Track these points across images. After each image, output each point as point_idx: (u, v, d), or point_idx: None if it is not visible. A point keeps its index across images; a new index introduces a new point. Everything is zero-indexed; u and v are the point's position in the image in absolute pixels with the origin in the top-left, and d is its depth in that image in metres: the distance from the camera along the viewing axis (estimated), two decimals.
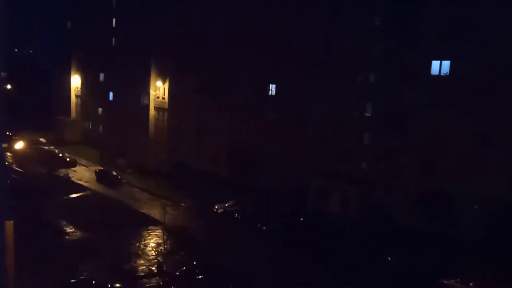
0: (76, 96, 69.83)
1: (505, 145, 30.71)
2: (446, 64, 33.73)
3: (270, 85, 44.86)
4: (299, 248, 31.57)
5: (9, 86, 73.19)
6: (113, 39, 60.22)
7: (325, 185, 39.01)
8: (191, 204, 41.02)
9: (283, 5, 42.34)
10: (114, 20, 60.09)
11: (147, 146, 54.07)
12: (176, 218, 36.80)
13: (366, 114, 38.33)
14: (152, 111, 55.86)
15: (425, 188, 33.71)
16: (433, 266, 27.90)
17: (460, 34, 32.34)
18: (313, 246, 31.77)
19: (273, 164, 43.51)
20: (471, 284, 25.69)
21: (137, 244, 31.96)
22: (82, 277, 25.27)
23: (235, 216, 37.32)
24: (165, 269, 27.89)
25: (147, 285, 26.48)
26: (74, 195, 42.37)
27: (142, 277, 27.38)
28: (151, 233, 34.01)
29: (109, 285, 24.44)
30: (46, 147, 56.62)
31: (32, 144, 55.32)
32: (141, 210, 39.17)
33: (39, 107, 69.28)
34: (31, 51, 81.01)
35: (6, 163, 48.82)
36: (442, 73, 33.91)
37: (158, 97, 55.21)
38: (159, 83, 54.73)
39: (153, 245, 32.00)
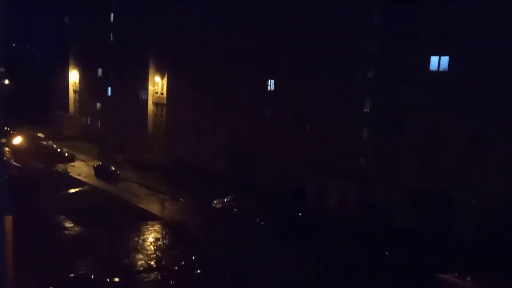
0: (74, 91, 69.67)
1: (504, 144, 30.72)
2: (445, 59, 33.72)
3: (269, 80, 44.81)
4: (297, 244, 31.65)
5: (7, 81, 72.94)
6: (111, 34, 60.03)
7: (323, 183, 39.05)
8: (190, 200, 41.07)
9: (282, 2, 42.21)
10: (112, 15, 59.88)
11: (146, 142, 54.04)
12: (175, 213, 36.85)
13: (365, 110, 38.32)
14: (150, 107, 55.78)
15: (423, 187, 33.75)
16: (431, 264, 27.99)
17: (459, 30, 32.32)
18: (311, 242, 31.86)
19: (272, 161, 43.52)
20: (468, 278, 25.85)
21: (136, 239, 32.02)
22: (80, 272, 25.33)
23: (234, 212, 37.39)
24: (163, 264, 27.96)
25: (146, 280, 26.57)
26: (72, 190, 42.38)
27: (141, 272, 27.46)
28: (150, 228, 34.08)
29: (107, 280, 24.50)
30: (44, 142, 56.54)
31: (31, 139, 55.25)
32: (140, 205, 39.21)
33: (37, 102, 69.02)
34: (29, 46, 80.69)
35: (5, 158, 48.77)
36: (441, 69, 33.90)
37: (156, 93, 55.12)
38: (157, 78, 54.63)
39: (151, 240, 32.06)
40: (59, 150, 54.02)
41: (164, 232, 32.22)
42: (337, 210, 37.63)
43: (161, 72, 54.15)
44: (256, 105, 45.49)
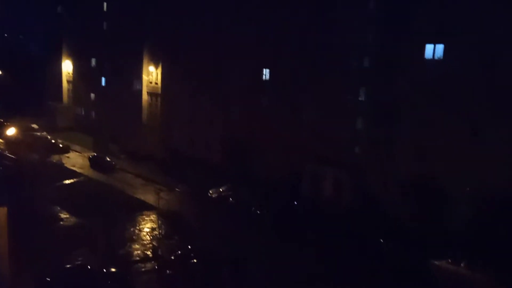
0: (68, 81, 69.10)
1: (498, 134, 30.78)
2: (440, 47, 33.66)
3: (264, 69, 44.60)
4: (293, 232, 31.85)
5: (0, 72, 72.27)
6: (104, 24, 59.42)
7: (319, 172, 39.16)
8: (185, 190, 41.10)
9: None
10: (105, 4, 59.19)
11: (141, 132, 53.85)
12: (170, 203, 36.89)
13: (360, 99, 38.29)
14: (145, 97, 55.47)
15: (418, 176, 33.88)
16: (425, 251, 28.23)
17: (453, 18, 32.23)
18: (306, 230, 32.05)
19: (267, 150, 43.50)
20: (462, 265, 26.14)
21: (132, 229, 32.07)
22: (77, 263, 25.35)
23: (229, 201, 37.48)
24: (160, 253, 28.05)
25: (142, 269, 26.66)
26: (67, 181, 42.27)
27: (137, 261, 27.55)
28: (146, 218, 34.12)
29: (104, 270, 24.55)
30: (38, 133, 56.22)
31: (25, 130, 54.87)
32: (135, 196, 39.21)
33: (30, 93, 68.45)
34: (21, 37, 79.78)
35: None
36: (436, 57, 33.84)
37: (151, 82, 54.78)
38: (151, 68, 54.25)
39: (147, 230, 32.12)
40: (53, 141, 53.77)
41: (160, 222, 32.27)
42: (332, 199, 37.79)
43: (155, 61, 53.76)
44: (251, 94, 45.33)
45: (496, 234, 28.30)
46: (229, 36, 45.74)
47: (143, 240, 30.50)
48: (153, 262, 27.39)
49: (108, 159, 47.68)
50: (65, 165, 47.73)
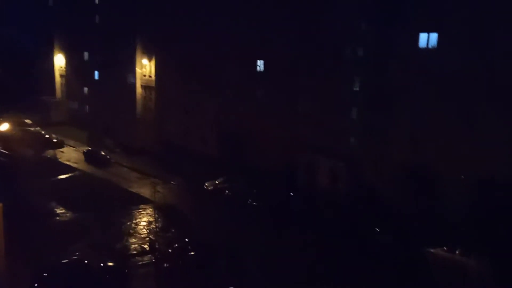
0: (61, 76, 68.52)
1: (492, 121, 30.91)
2: (434, 36, 33.65)
3: (258, 61, 44.43)
4: (289, 223, 31.97)
5: None
6: (97, 16, 58.83)
7: (314, 162, 39.24)
8: (181, 182, 41.09)
9: None
10: None
11: (135, 126, 53.64)
12: (167, 196, 36.88)
13: (355, 89, 38.26)
14: (139, 90, 55.14)
15: (413, 164, 34.04)
16: (421, 239, 28.44)
17: (447, 6, 32.18)
18: (303, 221, 32.19)
19: (262, 141, 43.49)
20: (457, 252, 26.39)
21: (129, 223, 32.07)
22: (74, 257, 25.34)
23: (226, 193, 37.52)
24: (157, 246, 28.10)
25: (140, 263, 26.73)
26: (62, 176, 42.12)
27: (135, 255, 27.60)
28: (142, 212, 34.12)
29: (102, 264, 24.56)
30: (32, 129, 55.85)
31: (18, 125, 54.50)
32: (131, 189, 39.16)
33: (22, 87, 67.87)
34: (12, 30, 78.90)
35: None
36: (430, 46, 33.83)
37: (144, 75, 54.44)
38: (145, 61, 53.87)
39: (144, 223, 32.13)
40: (47, 136, 53.45)
41: (156, 216, 32.27)
42: (328, 189, 37.94)
43: (149, 54, 53.38)
44: (246, 86, 45.20)
45: (491, 221, 28.55)
46: (222, 28, 45.44)
47: (140, 233, 30.52)
48: (150, 255, 27.44)
49: (103, 153, 47.51)
50: (60, 160, 47.56)
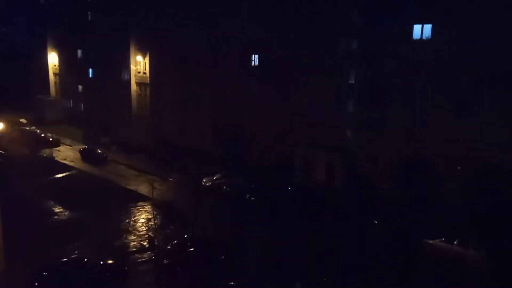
0: (55, 74, 68.18)
1: (487, 112, 31.05)
2: (428, 27, 33.68)
3: (253, 55, 44.35)
4: (288, 218, 32.10)
5: None
6: (89, 13, 58.46)
7: (310, 155, 39.33)
8: (179, 179, 41.08)
9: None
10: None
11: (131, 123, 53.49)
12: (165, 193, 36.88)
13: (350, 82, 38.31)
14: (133, 87, 54.98)
15: (409, 156, 34.18)
16: (418, 231, 28.63)
17: None
18: (301, 215, 32.30)
19: (259, 136, 43.54)
20: (455, 243, 26.57)
21: (127, 221, 32.07)
22: (73, 256, 25.36)
23: (224, 189, 37.55)
24: (156, 243, 28.14)
25: (139, 260, 26.76)
26: (59, 175, 42.00)
27: (134, 252, 27.62)
28: (140, 209, 34.11)
29: (101, 262, 24.60)
30: (27, 128, 55.65)
31: (13, 125, 54.28)
32: (129, 187, 39.12)
33: (16, 87, 67.51)
34: (4, 29, 78.23)
35: None
36: (424, 37, 33.88)
37: (139, 72, 54.26)
38: (139, 58, 53.67)
39: (143, 220, 32.14)
40: (43, 135, 53.28)
41: (155, 213, 32.28)
42: (325, 182, 38.05)
43: (143, 51, 53.16)
44: (241, 81, 45.15)
45: (488, 212, 28.77)
46: (216, 23, 45.28)
47: (139, 231, 30.54)
48: (149, 252, 27.48)
49: (99, 151, 47.40)
50: (56, 159, 47.41)
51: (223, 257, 26.25)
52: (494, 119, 30.66)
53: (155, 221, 31.47)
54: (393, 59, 35.28)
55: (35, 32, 67.62)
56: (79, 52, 61.96)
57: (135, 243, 28.76)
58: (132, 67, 54.24)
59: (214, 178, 38.96)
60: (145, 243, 28.55)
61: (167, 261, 26.02)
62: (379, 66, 36.07)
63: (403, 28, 34.36)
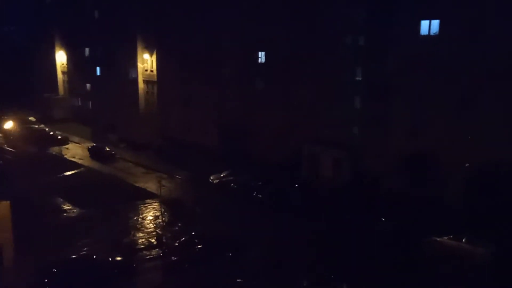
0: (63, 72, 68.67)
1: (493, 107, 30.76)
2: (436, 23, 33.40)
3: (260, 52, 44.32)
4: (295, 214, 32.10)
5: None
6: (96, 11, 58.72)
7: (316, 151, 39.27)
8: (186, 176, 41.24)
9: None
10: None
11: (138, 120, 53.77)
12: (172, 191, 37.06)
13: (357, 79, 38.13)
14: (141, 85, 55.19)
15: (416, 152, 33.95)
16: (423, 228, 28.48)
17: None
18: (308, 211, 32.30)
19: (265, 133, 43.54)
20: (463, 240, 26.39)
21: (135, 218, 32.28)
22: (82, 253, 25.59)
23: (231, 186, 37.63)
24: (164, 240, 28.29)
25: (148, 257, 26.93)
26: (68, 173, 42.36)
27: (142, 249, 27.79)
28: (148, 207, 34.31)
29: (110, 259, 24.80)
30: (36, 126, 56.17)
31: (22, 123, 54.80)
32: (137, 184, 39.36)
33: (24, 85, 68.11)
34: (12, 28, 78.85)
35: None
36: (431, 33, 33.58)
37: (146, 70, 54.45)
38: (146, 56, 53.85)
39: (151, 218, 32.33)
40: (51, 133, 53.73)
41: (163, 210, 32.46)
42: (331, 179, 37.99)
43: (150, 49, 53.32)
44: (247, 78, 45.13)
45: (495, 207, 28.54)
46: (222, 20, 45.28)
47: (147, 228, 30.74)
48: (157, 249, 27.65)
49: (107, 148, 47.72)
50: (65, 156, 47.81)
51: (230, 254, 26.33)
52: (502, 115, 30.35)
53: (163, 218, 31.65)
54: (400, 55, 35.01)
55: (42, 31, 68.09)
56: (87, 50, 62.29)
57: (143, 240, 28.95)
58: (139, 65, 54.45)
59: (222, 175, 39.05)
60: (153, 240, 28.74)
61: (175, 258, 26.18)
62: (386, 63, 35.82)
63: (411, 24, 34.08)
